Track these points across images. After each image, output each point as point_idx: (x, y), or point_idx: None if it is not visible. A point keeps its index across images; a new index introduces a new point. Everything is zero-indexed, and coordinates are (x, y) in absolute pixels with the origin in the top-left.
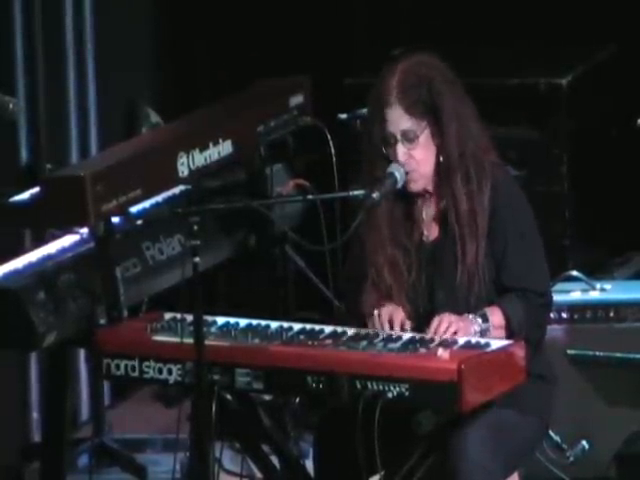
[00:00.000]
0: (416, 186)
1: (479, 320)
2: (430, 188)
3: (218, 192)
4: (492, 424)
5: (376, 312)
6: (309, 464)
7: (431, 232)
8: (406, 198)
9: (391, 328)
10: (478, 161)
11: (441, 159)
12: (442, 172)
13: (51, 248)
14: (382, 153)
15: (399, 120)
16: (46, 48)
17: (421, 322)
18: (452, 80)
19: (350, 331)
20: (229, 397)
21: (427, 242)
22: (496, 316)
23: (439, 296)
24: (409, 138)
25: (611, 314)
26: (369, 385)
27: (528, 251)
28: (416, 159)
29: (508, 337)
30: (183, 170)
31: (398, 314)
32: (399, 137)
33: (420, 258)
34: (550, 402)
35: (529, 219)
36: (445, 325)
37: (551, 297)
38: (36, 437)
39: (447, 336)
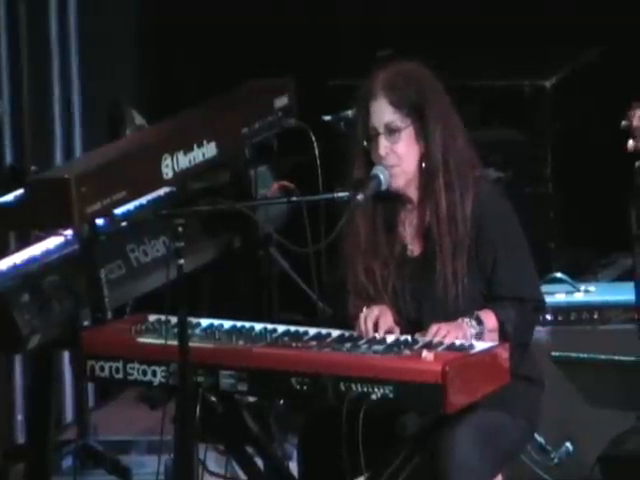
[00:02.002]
0: (396, 182)
1: (474, 323)
2: (413, 197)
3: (202, 194)
4: (480, 425)
5: (363, 314)
6: (293, 466)
7: (415, 247)
8: (388, 209)
9: (376, 332)
10: (462, 173)
11: (424, 165)
12: (425, 179)
13: (36, 250)
14: (364, 150)
15: (383, 112)
16: (30, 50)
17: (408, 331)
18: (441, 91)
19: (334, 333)
20: (213, 399)
21: (411, 257)
22: (489, 319)
23: (426, 309)
24: (392, 131)
25: (595, 316)
26: (353, 387)
27: (518, 262)
28: (398, 154)
29: (501, 340)
30: (167, 172)
31: (385, 318)
32: (382, 130)
33: (404, 273)
34: (537, 404)
35: (516, 230)
36: (444, 332)
37: (544, 301)
38: (20, 439)
39: (447, 342)
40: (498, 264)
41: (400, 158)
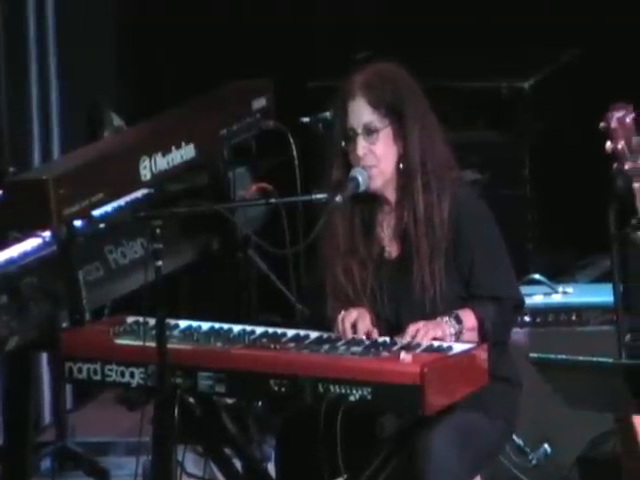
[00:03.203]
0: (374, 184)
1: (453, 322)
2: (391, 198)
3: (181, 196)
4: (458, 426)
5: (340, 316)
6: (272, 467)
7: (393, 249)
8: (366, 210)
9: (354, 334)
10: (439, 175)
11: (401, 166)
12: (403, 180)
13: (13, 251)
14: (342, 151)
15: (361, 112)
16: (8, 50)
17: (387, 333)
18: (418, 92)
19: (313, 334)
20: (192, 400)
21: (389, 259)
22: (469, 318)
23: (404, 311)
24: (370, 131)
25: (573, 317)
26: (332, 388)
27: (495, 263)
28: (376, 155)
29: (481, 339)
30: (146, 174)
31: (364, 320)
32: (360, 130)
33: (382, 275)
34: (515, 405)
35: (493, 231)
36: (423, 332)
37: (523, 300)
38: None
39: (426, 342)
40: (476, 265)
41: (378, 159)
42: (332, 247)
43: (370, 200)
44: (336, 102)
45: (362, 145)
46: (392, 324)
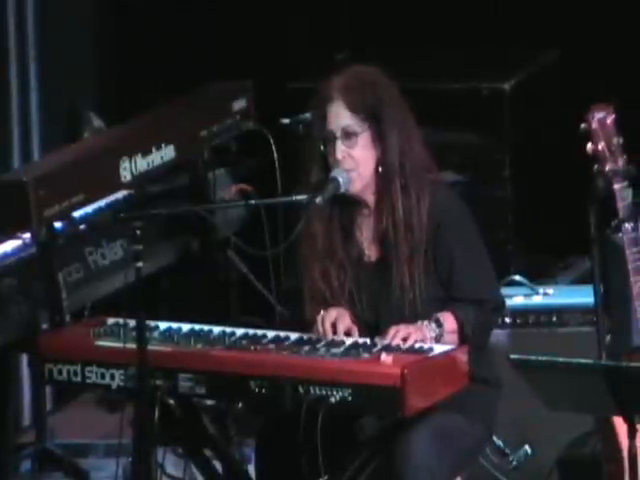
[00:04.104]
0: (353, 187)
1: (433, 326)
2: (370, 202)
3: (161, 197)
4: (437, 427)
5: (320, 316)
6: (252, 469)
7: (372, 252)
8: (345, 213)
9: (334, 334)
10: (418, 177)
11: (380, 169)
12: (381, 183)
13: None
14: (320, 154)
15: (340, 116)
16: None
17: (367, 336)
18: (397, 95)
19: (293, 336)
20: (172, 402)
21: (368, 262)
22: (449, 321)
23: (383, 314)
24: (349, 135)
25: (554, 319)
26: (312, 390)
27: (475, 264)
28: (355, 159)
29: (461, 341)
30: (126, 175)
31: (343, 319)
32: (339, 134)
33: (361, 278)
34: (494, 407)
35: (473, 232)
36: (402, 334)
37: (503, 301)
38: None
39: (406, 344)
40: (455, 267)
41: (357, 162)
42: (310, 250)
43: (349, 203)
44: (315, 105)
45: (341, 149)
46: (371, 327)
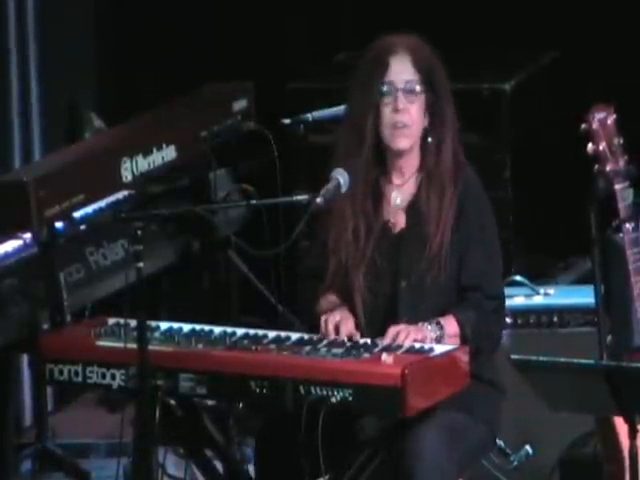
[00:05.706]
0: (402, 143)
1: (434, 327)
2: (406, 170)
3: (162, 197)
4: (445, 426)
5: (324, 317)
6: (252, 469)
7: (397, 221)
8: (379, 179)
9: (337, 336)
10: (457, 157)
11: (430, 139)
12: (424, 153)
13: None
14: (374, 103)
15: (405, 71)
16: None
17: (378, 315)
18: (445, 77)
19: (294, 336)
20: (173, 402)
21: (392, 232)
22: (450, 325)
23: (402, 286)
24: (410, 90)
25: (554, 319)
26: (313, 390)
27: (487, 252)
28: (411, 115)
29: (463, 345)
30: (127, 175)
31: (346, 324)
32: (400, 86)
33: (383, 246)
34: (499, 409)
35: (492, 224)
36: (404, 335)
37: (504, 301)
38: None
39: (407, 343)
40: (469, 250)
41: (412, 119)
42: (346, 206)
43: (383, 172)
44: (373, 59)
45: (402, 100)
46: (388, 300)
